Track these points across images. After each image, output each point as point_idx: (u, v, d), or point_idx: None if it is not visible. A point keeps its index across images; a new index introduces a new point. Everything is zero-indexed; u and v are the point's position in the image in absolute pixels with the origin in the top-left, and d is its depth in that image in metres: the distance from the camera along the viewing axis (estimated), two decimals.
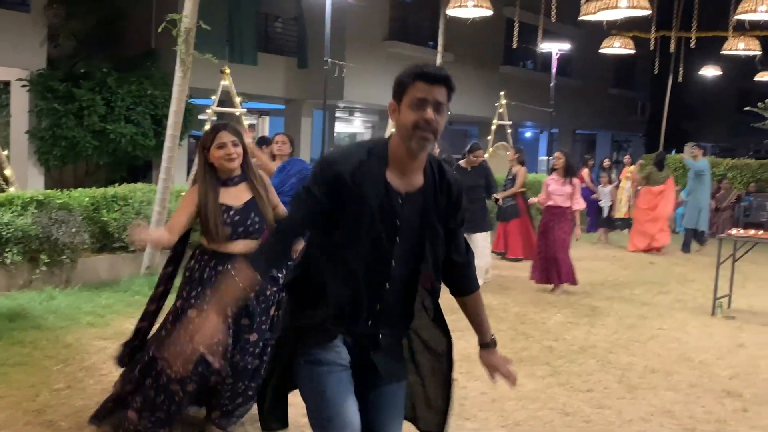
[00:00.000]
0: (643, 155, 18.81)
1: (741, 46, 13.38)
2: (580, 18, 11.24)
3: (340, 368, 2.46)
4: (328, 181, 2.39)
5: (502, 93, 15.79)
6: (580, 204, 8.74)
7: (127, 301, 7.15)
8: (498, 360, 2.72)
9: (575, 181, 8.68)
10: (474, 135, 26.02)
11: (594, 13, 10.23)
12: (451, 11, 10.82)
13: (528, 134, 31.45)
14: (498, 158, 14.33)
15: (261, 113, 21.59)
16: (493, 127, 15.62)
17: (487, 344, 2.72)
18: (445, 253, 2.59)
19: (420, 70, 2.44)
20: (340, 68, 14.65)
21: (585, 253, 12.37)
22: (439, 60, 14.04)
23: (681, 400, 5.06)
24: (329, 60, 12.12)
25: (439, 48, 14.15)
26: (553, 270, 8.71)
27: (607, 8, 9.75)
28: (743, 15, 10.54)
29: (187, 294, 3.85)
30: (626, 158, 16.48)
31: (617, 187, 15.27)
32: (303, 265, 2.56)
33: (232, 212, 3.79)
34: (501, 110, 15.57)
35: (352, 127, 27.94)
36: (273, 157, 7.39)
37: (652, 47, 14.77)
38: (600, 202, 14.70)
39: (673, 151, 22.11)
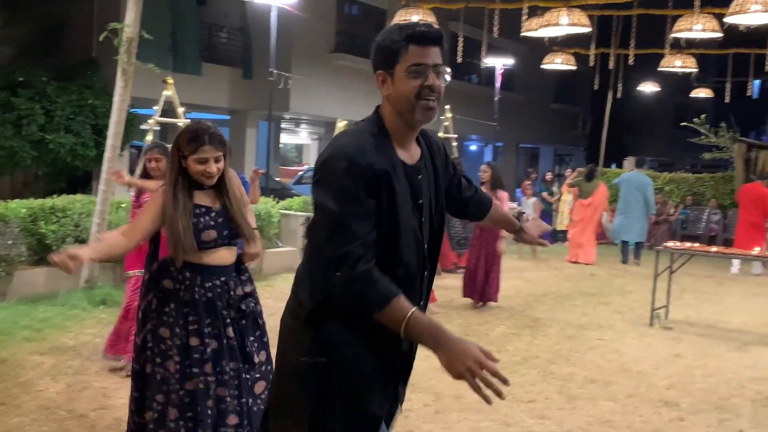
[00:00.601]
0: (581, 168, 19.19)
1: (678, 63, 13.78)
2: (522, 34, 11.45)
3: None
4: (365, 177, 2.03)
5: (447, 107, 15.94)
6: None
7: (65, 314, 6.98)
8: (533, 231, 2.85)
9: (501, 194, 8.60)
10: None
11: (536, 29, 10.42)
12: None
13: (473, 147, 31.83)
14: None
15: None
16: (441, 136, 15.75)
17: (521, 227, 2.83)
18: (459, 196, 2.60)
19: (412, 32, 2.11)
20: (286, 79, 14.62)
21: (527, 265, 12.55)
22: None
23: (619, 410, 5.15)
24: (275, 71, 12.09)
25: None
26: (479, 286, 8.55)
27: (548, 25, 9.95)
28: (679, 33, 10.86)
29: (185, 322, 3.24)
30: (568, 172, 16.79)
31: (559, 199, 15.53)
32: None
33: (213, 214, 3.33)
34: (446, 123, 15.70)
35: (298, 138, 27.89)
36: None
37: (592, 63, 15.12)
38: (524, 215, 14.68)
39: (613, 165, 22.58)
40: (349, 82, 18.78)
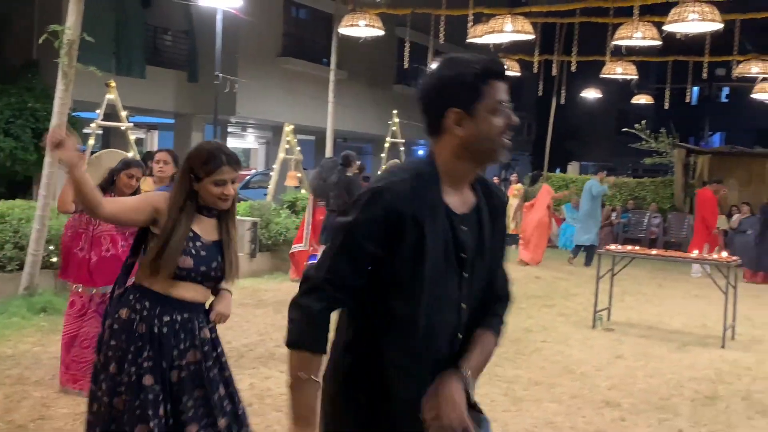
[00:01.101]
0: (527, 174, 19.48)
1: (619, 70, 14.08)
2: (468, 40, 11.57)
3: None
4: (386, 221, 1.87)
5: (394, 111, 16.00)
6: None
7: (4, 323, 6.79)
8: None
9: None
10: (368, 152, 26.24)
11: (481, 36, 10.55)
12: (344, 30, 10.92)
13: (421, 152, 31.99)
14: None
15: (149, 127, 21.09)
16: (387, 145, 15.80)
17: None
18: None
19: (492, 66, 1.96)
20: (232, 83, 14.50)
21: None
22: (331, 77, 14.11)
23: (563, 411, 5.24)
24: (220, 74, 11.98)
25: (332, 66, 14.22)
26: None
27: (493, 32, 10.07)
28: (620, 41, 11.09)
29: (135, 356, 2.92)
30: (513, 177, 17.03)
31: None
32: (354, 348, 1.99)
33: (199, 244, 3.02)
34: (394, 128, 15.77)
35: (245, 142, 27.68)
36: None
37: (536, 70, 15.34)
38: None
39: (558, 170, 22.95)
40: (297, 86, 18.72)
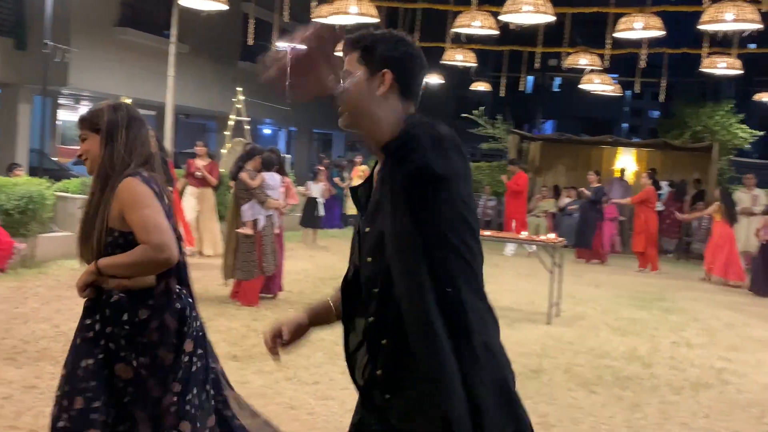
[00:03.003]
0: (369, 159, 19.65)
1: (459, 58, 14.51)
2: (312, 20, 11.51)
3: None
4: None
5: (239, 89, 15.72)
6: (294, 199, 9.04)
7: None
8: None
9: (286, 179, 8.79)
10: (212, 129, 25.65)
11: (326, 16, 10.52)
12: (185, 2, 10.56)
13: (267, 131, 31.64)
14: (235, 154, 14.26)
15: None
16: (231, 123, 15.51)
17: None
18: None
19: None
20: (63, 52, 13.70)
21: (315, 251, 12.72)
22: (172, 51, 13.65)
23: None
24: (50, 43, 11.28)
25: (172, 38, 13.74)
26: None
27: (338, 13, 10.08)
28: (460, 29, 11.42)
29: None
30: (358, 158, 17.20)
31: (350, 185, 15.90)
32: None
33: None
34: (239, 106, 15.50)
35: (78, 115, 26.26)
36: None
37: None
38: (318, 200, 14.02)
39: None
40: (135, 58, 17.92)
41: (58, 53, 13.71)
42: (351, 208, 15.71)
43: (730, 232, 12.07)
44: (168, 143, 13.64)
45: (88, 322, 2.72)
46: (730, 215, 12.07)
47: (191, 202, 11.05)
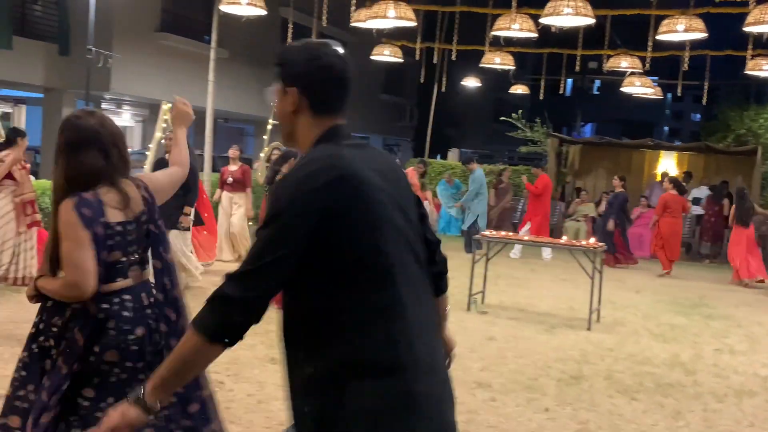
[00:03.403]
0: (410, 159, 19.69)
1: (497, 60, 14.44)
2: (351, 24, 11.56)
3: None
4: None
5: None
6: None
7: None
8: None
9: None
10: (250, 133, 25.88)
11: (364, 20, 10.56)
12: (225, 7, 10.66)
13: None
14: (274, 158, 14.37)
15: (17, 101, 19.96)
16: (269, 127, 15.61)
17: None
18: None
19: None
20: (106, 57, 13.91)
21: None
22: (212, 56, 13.78)
23: None
24: (93, 48, 11.47)
25: (213, 44, 13.88)
26: None
27: (376, 17, 10.11)
28: (499, 32, 11.38)
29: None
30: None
31: None
32: None
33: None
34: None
35: (121, 120, 26.65)
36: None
37: (418, 57, 15.52)
38: None
39: (438, 156, 23.32)
40: (175, 63, 18.16)
41: (101, 59, 13.93)
42: None
43: (748, 232, 12.11)
44: (207, 147, 13.78)
45: (36, 320, 2.90)
46: (741, 217, 12.07)
47: (226, 207, 11.12)
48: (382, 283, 1.87)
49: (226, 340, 1.86)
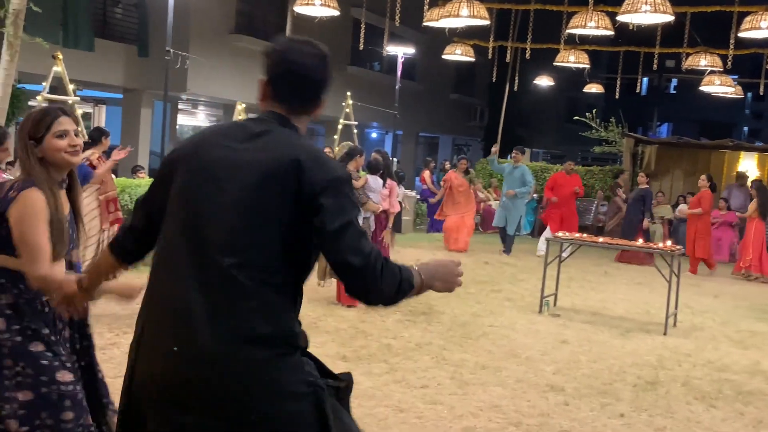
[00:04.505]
0: (480, 159, 19.55)
1: (572, 59, 14.23)
2: (423, 23, 11.55)
3: None
4: None
5: (348, 93, 15.93)
6: (394, 206, 8.90)
7: None
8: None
9: (390, 183, 8.78)
10: (320, 133, 26.12)
11: (437, 19, 10.55)
12: (299, 8, 10.80)
13: (374, 135, 31.97)
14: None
15: (97, 102, 20.61)
16: (340, 127, 15.73)
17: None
18: None
19: None
20: (183, 59, 14.25)
21: (423, 253, 12.72)
22: None
23: (508, 395, 5.31)
24: (171, 50, 11.76)
25: None
26: None
27: (449, 16, 10.08)
28: (574, 30, 11.21)
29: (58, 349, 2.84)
30: (462, 161, 17.06)
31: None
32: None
33: (67, 223, 2.91)
34: (347, 110, 15.70)
35: (196, 120, 27.30)
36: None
37: (490, 56, 15.40)
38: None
39: (509, 156, 23.10)
40: (249, 64, 18.43)
41: (178, 60, 14.27)
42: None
43: (763, 226, 12.18)
44: None
45: None
46: (763, 210, 12.04)
47: None
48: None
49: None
